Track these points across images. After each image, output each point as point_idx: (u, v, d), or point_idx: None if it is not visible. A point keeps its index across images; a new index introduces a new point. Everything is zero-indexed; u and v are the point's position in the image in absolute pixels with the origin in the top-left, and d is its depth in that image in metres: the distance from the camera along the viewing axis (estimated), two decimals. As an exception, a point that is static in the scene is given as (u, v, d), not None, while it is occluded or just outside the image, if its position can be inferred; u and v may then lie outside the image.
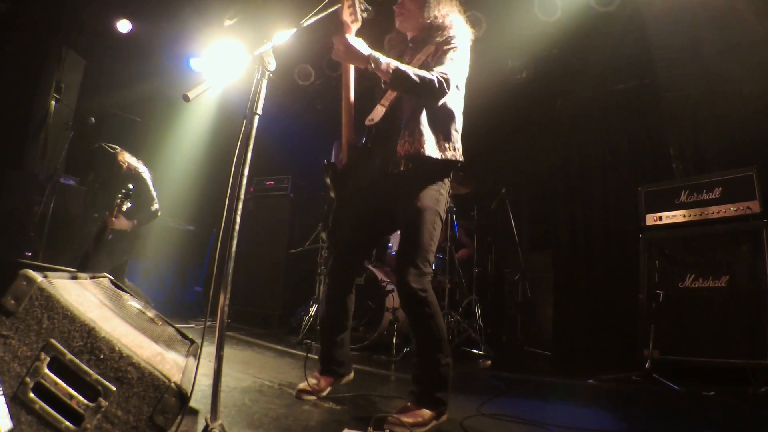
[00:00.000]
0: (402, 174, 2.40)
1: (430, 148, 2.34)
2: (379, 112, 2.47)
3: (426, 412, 2.21)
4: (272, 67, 1.92)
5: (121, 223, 4.20)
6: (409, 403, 2.27)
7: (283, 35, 2.02)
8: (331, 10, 2.18)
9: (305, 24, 2.10)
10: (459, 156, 2.45)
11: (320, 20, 2.15)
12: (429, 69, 2.32)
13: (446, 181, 2.47)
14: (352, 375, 2.77)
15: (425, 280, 2.32)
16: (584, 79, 5.27)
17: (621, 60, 4.96)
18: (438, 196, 2.40)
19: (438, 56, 2.39)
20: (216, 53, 6.31)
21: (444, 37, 2.42)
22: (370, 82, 2.63)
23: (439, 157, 2.36)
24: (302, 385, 2.58)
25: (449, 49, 2.39)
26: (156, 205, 4.57)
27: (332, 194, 2.58)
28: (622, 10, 4.67)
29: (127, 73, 6.62)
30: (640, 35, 4.70)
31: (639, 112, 4.96)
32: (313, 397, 2.54)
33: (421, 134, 2.34)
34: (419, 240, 2.32)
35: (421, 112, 2.37)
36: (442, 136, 2.41)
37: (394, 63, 2.26)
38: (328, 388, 2.62)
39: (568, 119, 5.42)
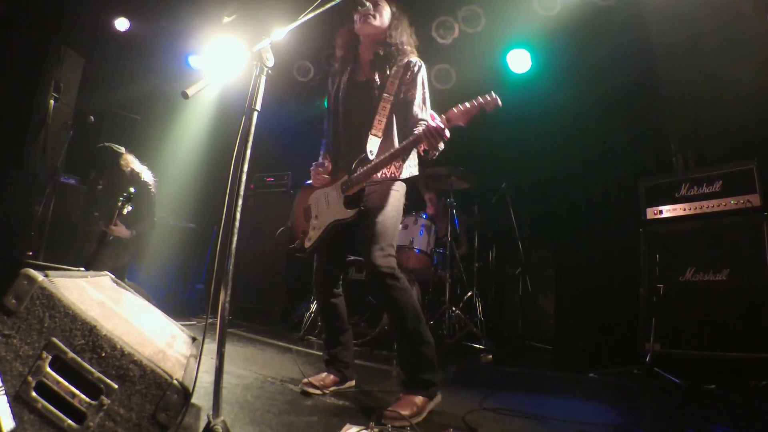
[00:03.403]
0: (378, 190, 2.56)
1: (406, 171, 2.63)
2: (374, 143, 2.55)
3: (418, 399, 2.25)
4: (271, 63, 1.92)
5: (120, 232, 4.22)
6: (402, 393, 2.31)
7: (281, 31, 2.01)
8: (329, 5, 2.17)
9: (304, 20, 2.09)
10: (417, 170, 2.71)
11: (319, 16, 2.15)
12: (405, 97, 2.59)
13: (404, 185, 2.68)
14: (354, 382, 2.83)
15: (393, 261, 2.43)
16: (584, 73, 5.26)
17: (621, 54, 4.95)
18: (400, 197, 2.60)
19: (418, 92, 2.60)
20: (215, 50, 6.30)
21: (417, 69, 2.63)
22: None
23: (409, 176, 2.66)
24: (307, 380, 2.61)
25: (424, 85, 2.64)
26: (154, 218, 4.60)
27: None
28: (621, 3, 4.66)
29: (126, 72, 6.61)
30: (640, 29, 4.68)
31: (639, 105, 4.95)
32: (317, 392, 2.57)
33: (404, 161, 2.61)
34: (386, 228, 2.46)
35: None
36: (411, 157, 2.66)
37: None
38: (333, 387, 2.67)
39: (568, 113, 5.41)
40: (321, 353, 2.96)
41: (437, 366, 2.38)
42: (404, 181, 2.66)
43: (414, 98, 2.60)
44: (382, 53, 2.65)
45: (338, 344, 2.79)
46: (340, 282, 2.86)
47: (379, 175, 2.52)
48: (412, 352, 2.36)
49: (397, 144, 2.59)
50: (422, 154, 2.41)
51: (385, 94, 2.57)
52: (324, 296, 2.80)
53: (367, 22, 2.60)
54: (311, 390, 2.56)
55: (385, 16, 2.65)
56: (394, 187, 2.58)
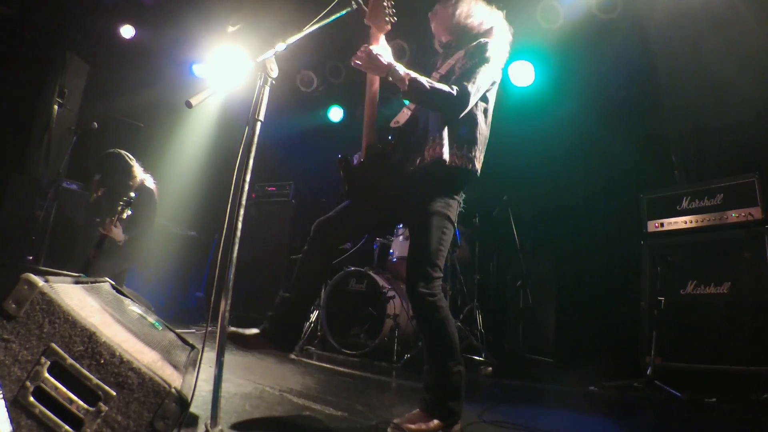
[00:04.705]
0: (418, 175, 2.36)
1: (447, 153, 2.33)
2: (404, 114, 2.52)
3: (433, 423, 2.15)
4: (275, 74, 1.93)
5: (116, 234, 4.17)
6: (419, 410, 2.22)
7: (285, 42, 2.02)
8: (333, 17, 2.19)
9: (308, 31, 2.11)
10: (471, 166, 2.42)
11: (323, 27, 2.16)
12: (453, 78, 2.35)
13: (457, 187, 2.43)
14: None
15: (434, 285, 2.29)
16: (587, 86, 5.27)
17: (623, 67, 4.97)
18: (450, 200, 2.37)
19: (463, 66, 2.39)
20: (219, 60, 6.34)
21: (474, 46, 2.43)
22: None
23: (452, 164, 2.35)
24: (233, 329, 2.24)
25: (475, 59, 2.38)
26: (152, 225, 4.60)
27: (345, 187, 2.56)
28: (623, 17, 4.68)
29: (130, 79, 6.65)
30: (641, 42, 4.71)
31: (641, 118, 4.97)
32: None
33: (441, 140, 2.33)
34: (428, 245, 2.28)
35: (443, 119, 2.37)
36: (457, 144, 2.38)
37: (412, 74, 2.24)
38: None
39: (570, 126, 5.42)
40: (322, 364, 2.91)
41: (464, 395, 2.26)
42: (453, 172, 2.43)
43: (457, 70, 2.54)
44: (450, 41, 2.65)
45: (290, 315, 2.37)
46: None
47: None
48: (443, 379, 2.23)
49: (434, 122, 2.45)
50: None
51: None
52: (319, 253, 2.41)
53: (432, 21, 2.65)
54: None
55: (444, 7, 2.60)
56: (442, 184, 2.42)
